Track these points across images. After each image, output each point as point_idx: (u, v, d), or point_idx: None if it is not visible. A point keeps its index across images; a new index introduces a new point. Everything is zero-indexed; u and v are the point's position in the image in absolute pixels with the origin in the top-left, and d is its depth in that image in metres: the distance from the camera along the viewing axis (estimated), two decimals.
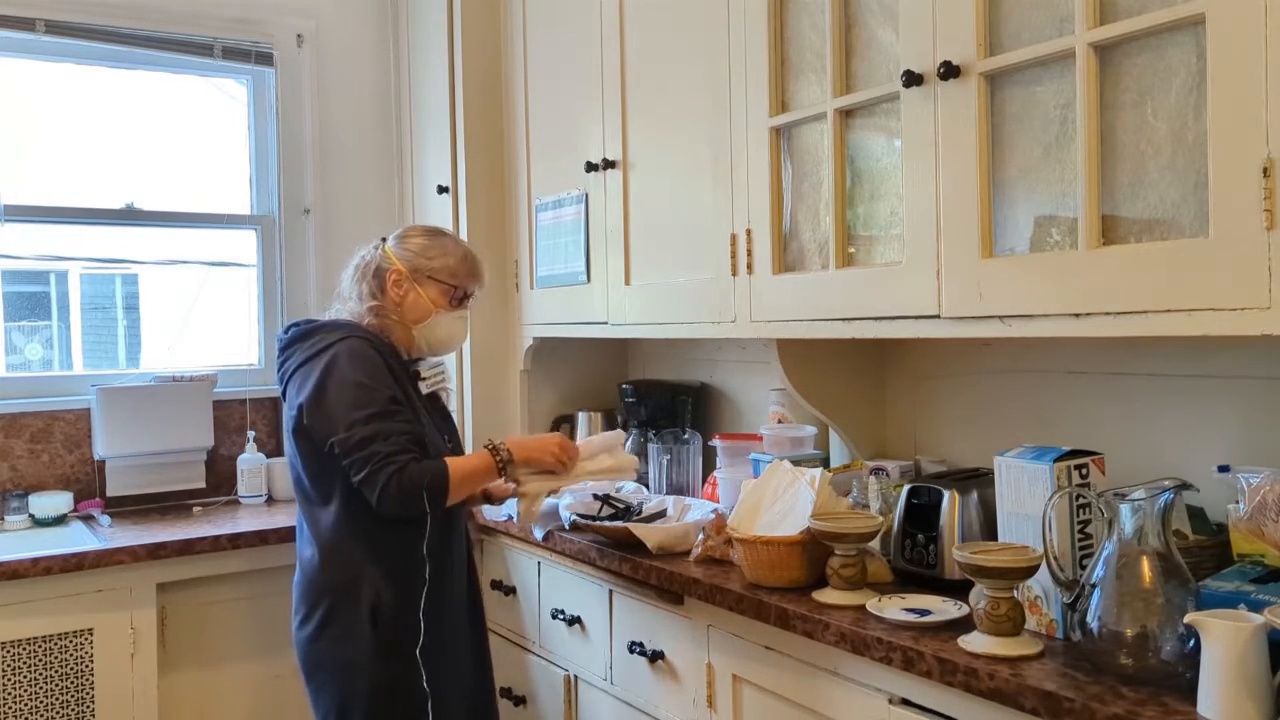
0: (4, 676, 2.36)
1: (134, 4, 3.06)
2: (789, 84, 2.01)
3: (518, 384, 2.97)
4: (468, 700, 2.14)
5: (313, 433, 1.95)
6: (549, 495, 2.25)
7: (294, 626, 2.07)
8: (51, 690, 2.41)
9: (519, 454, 2.07)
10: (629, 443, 2.77)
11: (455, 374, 3.00)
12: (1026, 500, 1.56)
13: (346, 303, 2.13)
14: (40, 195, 3.03)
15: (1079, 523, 1.52)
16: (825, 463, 2.22)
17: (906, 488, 1.86)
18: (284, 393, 2.06)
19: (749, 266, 2.08)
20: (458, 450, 2.20)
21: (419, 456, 1.92)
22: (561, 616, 2.38)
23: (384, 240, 2.17)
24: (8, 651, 2.37)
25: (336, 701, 1.99)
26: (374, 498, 1.89)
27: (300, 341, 2.04)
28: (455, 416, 2.97)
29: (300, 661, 2.06)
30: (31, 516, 2.80)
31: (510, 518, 2.52)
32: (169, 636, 2.58)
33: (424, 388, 2.15)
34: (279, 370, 2.08)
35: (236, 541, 2.64)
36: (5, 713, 2.36)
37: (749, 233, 2.08)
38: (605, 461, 2.16)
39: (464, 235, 2.95)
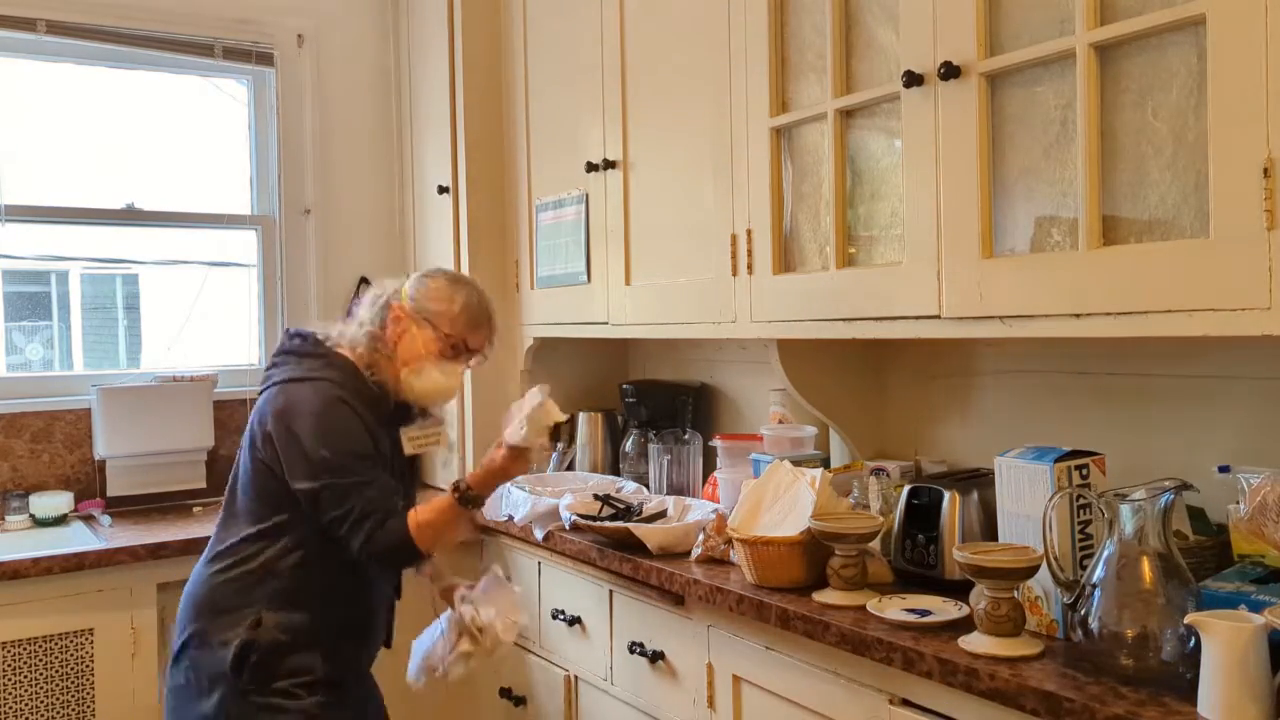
0: (4, 676, 2.37)
1: (134, 4, 3.06)
2: (789, 84, 2.01)
3: (518, 384, 2.97)
4: None
5: (277, 464, 1.86)
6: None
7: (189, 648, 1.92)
8: (52, 690, 2.41)
9: (477, 484, 1.95)
10: (630, 442, 2.77)
11: None
12: (1027, 500, 1.56)
13: (352, 325, 2.01)
14: (41, 195, 3.03)
15: (1079, 523, 1.52)
16: (825, 463, 2.22)
17: (907, 488, 1.86)
18: (261, 391, 1.98)
19: (749, 267, 2.08)
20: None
21: (393, 512, 1.85)
22: (562, 616, 2.38)
23: (410, 275, 2.07)
24: (8, 651, 2.37)
25: None
26: (344, 541, 1.84)
27: (296, 358, 1.96)
28: (456, 418, 2.98)
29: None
30: (32, 516, 2.80)
31: (510, 517, 2.52)
32: (170, 636, 2.58)
33: (408, 448, 2.04)
34: (267, 369, 2.02)
35: None
36: (5, 713, 2.36)
37: (749, 233, 2.08)
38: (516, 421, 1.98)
39: (464, 235, 2.96)
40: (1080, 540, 1.52)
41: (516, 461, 1.95)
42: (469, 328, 2.01)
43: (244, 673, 1.83)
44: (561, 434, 2.99)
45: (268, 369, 2.02)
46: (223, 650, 1.84)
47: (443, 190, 3.04)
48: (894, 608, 1.66)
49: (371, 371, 1.97)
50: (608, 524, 2.22)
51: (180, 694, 1.92)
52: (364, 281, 3.43)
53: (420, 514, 1.88)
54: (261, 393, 1.98)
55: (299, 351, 1.98)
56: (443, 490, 2.01)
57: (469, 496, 1.92)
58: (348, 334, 2.00)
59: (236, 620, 1.85)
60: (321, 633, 1.90)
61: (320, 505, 1.83)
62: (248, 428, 1.97)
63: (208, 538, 2.57)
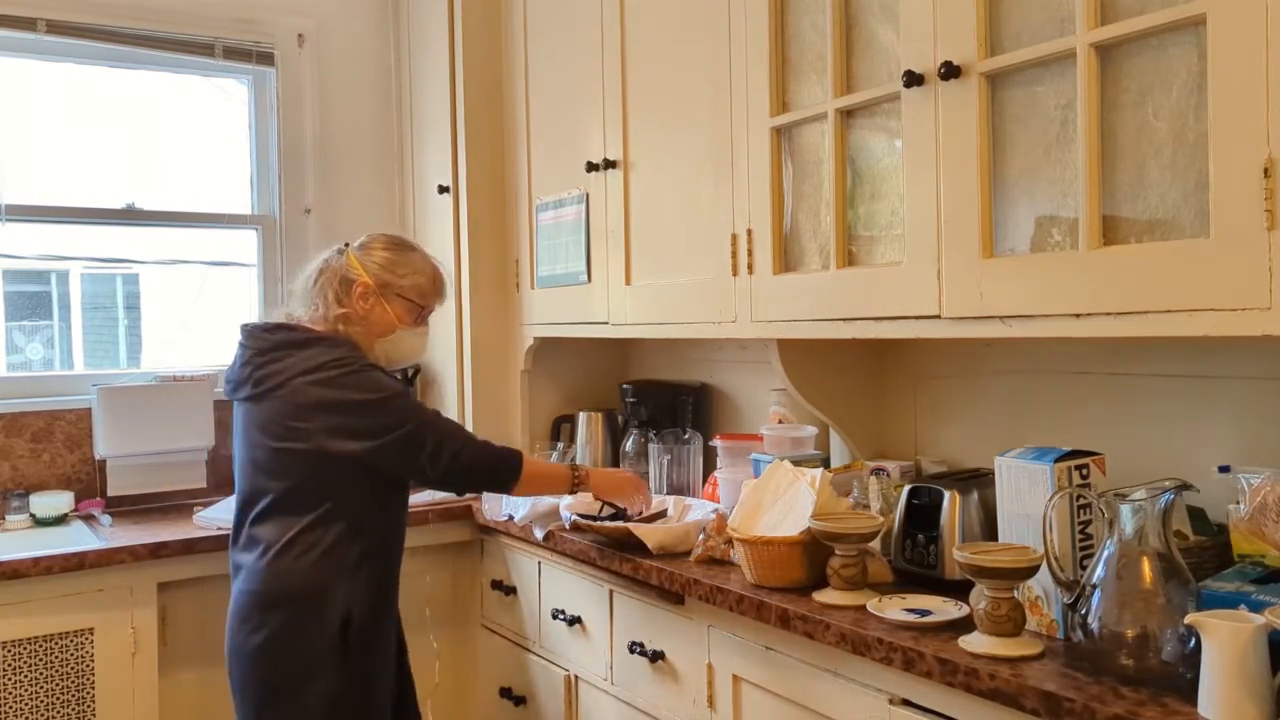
0: (4, 676, 2.37)
1: (135, 4, 3.06)
2: (790, 84, 2.01)
3: (518, 384, 2.97)
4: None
5: (330, 447, 1.93)
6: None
7: (243, 635, 2.03)
8: (52, 690, 2.41)
9: (596, 483, 2.23)
10: (630, 441, 2.77)
11: (455, 374, 3.00)
12: (1027, 500, 1.56)
13: (309, 308, 2.09)
14: (41, 195, 3.03)
15: (1079, 523, 1.52)
16: (826, 463, 2.22)
17: (907, 488, 1.86)
18: (256, 395, 2.00)
19: (749, 266, 2.08)
20: None
21: (469, 434, 2.07)
22: (562, 616, 2.38)
23: (347, 246, 2.15)
24: (8, 651, 2.37)
25: (284, 708, 1.98)
26: (457, 473, 2.02)
27: (293, 349, 1.99)
28: (456, 416, 2.99)
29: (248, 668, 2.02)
30: (32, 516, 2.79)
31: (510, 517, 2.52)
32: (170, 636, 2.58)
33: None
34: (255, 371, 2.01)
35: None
36: (5, 713, 2.36)
37: (749, 233, 2.08)
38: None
39: (464, 235, 2.96)
40: (1080, 540, 1.52)
41: (620, 496, 2.27)
42: (437, 294, 2.20)
43: (348, 648, 1.96)
44: (562, 434, 3.00)
45: (256, 369, 2.01)
46: (318, 630, 1.95)
47: (443, 190, 3.04)
48: (894, 608, 1.66)
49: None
50: (608, 524, 2.22)
51: (277, 679, 1.99)
52: None
53: (533, 462, 2.16)
54: (262, 393, 1.98)
55: (293, 344, 2.01)
56: None
57: (579, 476, 2.21)
58: (308, 315, 2.10)
59: (319, 600, 1.96)
60: (388, 596, 2.08)
61: (417, 444, 1.97)
62: (254, 433, 2.00)
63: (209, 537, 2.59)
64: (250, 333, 2.08)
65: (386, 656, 2.09)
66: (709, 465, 2.55)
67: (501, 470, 2.09)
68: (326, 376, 1.96)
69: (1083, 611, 1.40)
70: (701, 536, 2.07)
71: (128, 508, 2.96)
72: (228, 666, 2.07)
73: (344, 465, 1.96)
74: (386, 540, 2.08)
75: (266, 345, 2.03)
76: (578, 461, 2.91)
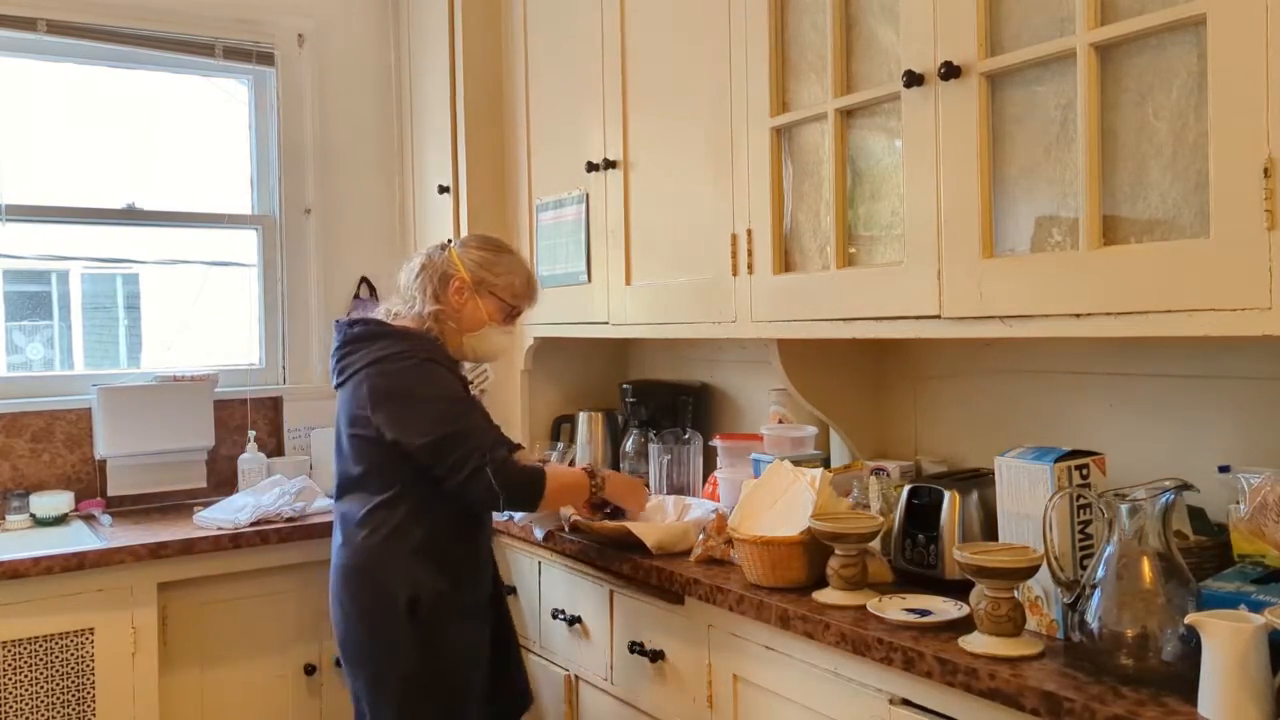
0: (4, 676, 2.37)
1: (135, 4, 3.06)
2: (790, 84, 2.01)
3: (518, 384, 2.97)
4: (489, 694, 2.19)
5: (386, 435, 2.01)
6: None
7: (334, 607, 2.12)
8: (52, 690, 2.41)
9: (612, 488, 2.23)
10: (630, 441, 2.77)
11: None
12: (1027, 500, 1.56)
13: (408, 303, 2.17)
14: (41, 195, 3.03)
15: (1079, 523, 1.52)
16: (826, 463, 2.22)
17: (907, 488, 1.86)
18: (340, 384, 2.11)
19: (749, 266, 2.08)
20: None
21: (512, 452, 2.06)
22: (562, 616, 2.38)
23: (450, 242, 2.23)
24: (8, 651, 2.37)
25: (377, 684, 2.04)
26: (474, 490, 1.99)
27: (367, 342, 2.09)
28: None
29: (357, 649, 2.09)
30: (32, 516, 2.80)
31: (510, 517, 2.52)
32: (170, 636, 2.58)
33: (473, 391, 2.27)
34: (338, 363, 2.12)
35: (237, 541, 2.64)
36: (5, 712, 2.36)
37: (749, 233, 2.08)
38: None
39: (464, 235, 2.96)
40: (1080, 540, 1.52)
41: (629, 500, 2.29)
42: (528, 296, 2.26)
43: (419, 629, 2.01)
44: (562, 434, 3.00)
45: (339, 361, 2.13)
46: (384, 603, 2.01)
47: (443, 190, 3.04)
48: (894, 608, 1.66)
49: (440, 340, 2.15)
50: (606, 524, 2.22)
51: (359, 642, 2.06)
52: (364, 281, 3.44)
53: (556, 475, 2.12)
54: (343, 382, 2.10)
55: (368, 336, 2.10)
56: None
57: (597, 484, 2.21)
58: (407, 310, 2.17)
59: (392, 574, 2.02)
60: (463, 577, 2.10)
61: (441, 453, 1.99)
62: (340, 419, 2.11)
63: (209, 537, 2.60)
64: (338, 326, 2.17)
65: (472, 630, 2.11)
66: (709, 465, 2.55)
67: (525, 494, 2.06)
68: (389, 369, 2.04)
69: (1083, 611, 1.39)
70: (701, 536, 2.07)
71: (128, 508, 2.97)
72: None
73: (405, 451, 2.02)
74: (457, 523, 2.09)
75: (348, 338, 2.13)
76: (576, 461, 2.92)
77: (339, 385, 2.12)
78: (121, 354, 3.34)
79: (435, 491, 2.03)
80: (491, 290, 2.18)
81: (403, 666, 2.01)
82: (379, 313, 2.22)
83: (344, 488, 2.12)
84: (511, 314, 2.23)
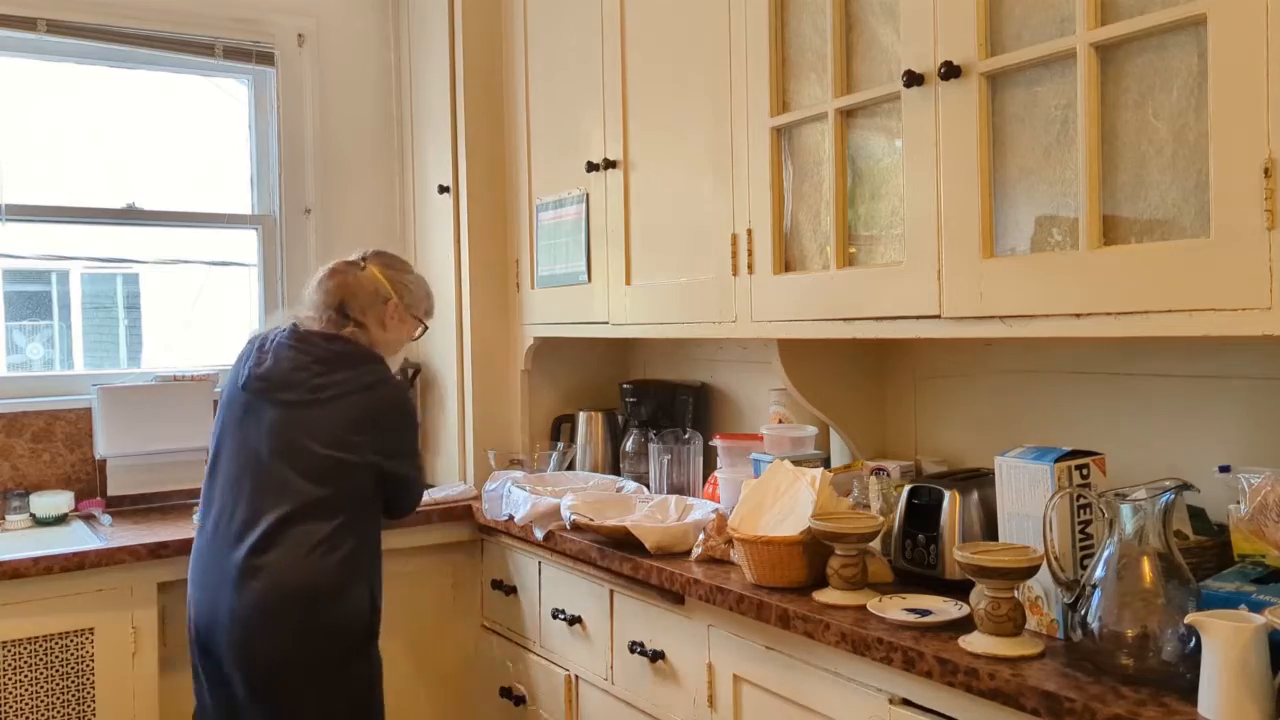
0: (4, 676, 2.37)
1: (135, 3, 3.06)
2: (790, 84, 2.01)
3: (518, 384, 2.98)
4: None
5: (384, 463, 2.15)
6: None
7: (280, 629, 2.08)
8: (52, 690, 2.41)
9: None
10: (630, 441, 2.77)
11: (456, 374, 3.00)
12: (1027, 500, 1.56)
13: (323, 319, 2.20)
14: (41, 195, 3.03)
15: (1080, 523, 1.52)
16: (826, 463, 2.22)
17: (907, 488, 1.86)
18: (310, 401, 2.10)
19: (750, 266, 2.08)
20: None
21: None
22: (562, 616, 2.38)
23: (364, 261, 2.28)
24: (8, 651, 2.37)
25: (319, 706, 2.08)
26: (408, 513, 2.34)
27: (350, 364, 2.15)
28: (456, 416, 2.99)
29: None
30: (32, 516, 2.79)
31: (510, 516, 2.52)
32: (170, 636, 2.58)
33: None
34: (315, 375, 2.12)
35: None
36: (5, 712, 2.36)
37: (750, 232, 2.08)
38: None
39: (464, 235, 2.96)
40: (1080, 540, 1.52)
41: None
42: (432, 313, 2.43)
43: (367, 636, 2.14)
44: (562, 434, 3.00)
45: (315, 376, 2.12)
46: (346, 621, 2.09)
47: (443, 190, 3.04)
48: (894, 607, 1.66)
49: None
50: (606, 523, 2.22)
51: (309, 663, 2.08)
52: None
53: None
54: (317, 400, 2.10)
55: (350, 356, 2.16)
56: None
57: None
58: (357, 332, 2.23)
59: (354, 594, 2.10)
60: (380, 593, 2.23)
61: (406, 483, 2.24)
62: (301, 436, 2.09)
63: None
64: (306, 339, 2.16)
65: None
66: (709, 465, 2.55)
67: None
68: (388, 396, 2.17)
69: (1083, 611, 1.40)
70: (701, 536, 2.07)
71: (128, 508, 2.97)
72: (239, 663, 2.06)
73: (374, 476, 2.15)
74: (378, 537, 2.25)
75: (327, 355, 2.14)
76: (576, 460, 2.92)
77: (308, 402, 2.10)
78: (121, 354, 3.34)
79: (374, 513, 2.19)
80: (413, 312, 2.33)
81: (367, 670, 2.15)
82: (309, 324, 2.22)
83: (298, 507, 2.07)
84: (421, 331, 2.38)
